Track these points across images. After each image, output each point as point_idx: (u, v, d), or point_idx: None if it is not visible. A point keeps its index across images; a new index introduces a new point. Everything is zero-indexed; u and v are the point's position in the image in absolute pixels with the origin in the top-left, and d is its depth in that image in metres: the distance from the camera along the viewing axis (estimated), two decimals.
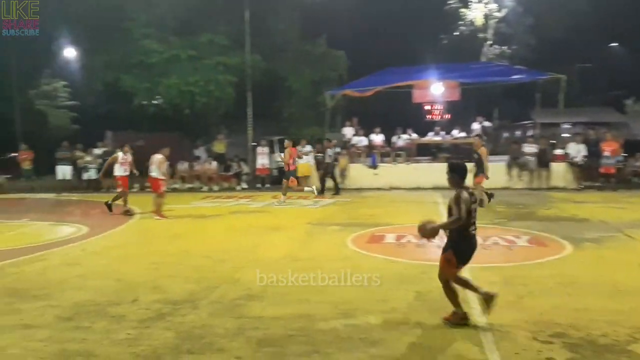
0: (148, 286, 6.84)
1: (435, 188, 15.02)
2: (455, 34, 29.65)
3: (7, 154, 24.24)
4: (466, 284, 5.47)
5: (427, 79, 21.20)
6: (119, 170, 14.18)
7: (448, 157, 19.34)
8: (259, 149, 20.42)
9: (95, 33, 22.11)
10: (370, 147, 20.45)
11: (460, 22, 29.33)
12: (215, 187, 19.97)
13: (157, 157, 13.12)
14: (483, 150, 13.83)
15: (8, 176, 20.94)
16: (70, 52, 26.21)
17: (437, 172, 14.26)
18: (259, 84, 22.65)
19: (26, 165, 20.35)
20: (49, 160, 20.90)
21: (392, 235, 10.07)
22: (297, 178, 16.33)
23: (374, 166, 19.10)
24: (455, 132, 21.34)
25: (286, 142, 15.59)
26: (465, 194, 5.30)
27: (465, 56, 25.33)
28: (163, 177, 13.16)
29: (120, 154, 14.31)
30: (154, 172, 13.07)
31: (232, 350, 4.76)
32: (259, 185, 20.24)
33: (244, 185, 20.25)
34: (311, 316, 5.61)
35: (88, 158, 19.83)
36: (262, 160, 20.29)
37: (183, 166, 20.58)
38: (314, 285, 6.44)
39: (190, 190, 19.90)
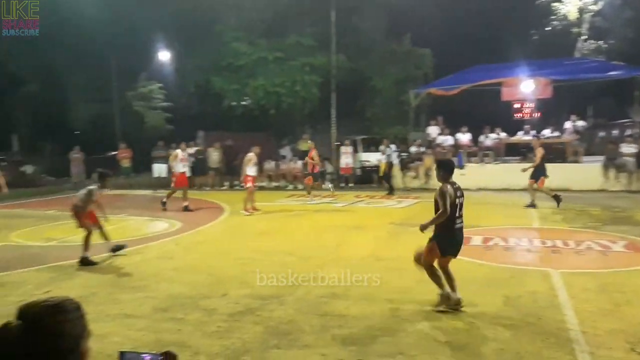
0: (237, 281, 7.09)
1: (525, 190, 14.46)
2: (547, 29, 28.37)
3: (107, 153, 25.88)
4: (435, 277, 5.79)
5: (517, 76, 20.44)
6: (178, 167, 14.78)
7: None
8: (343, 149, 20.55)
9: (188, 37, 23.14)
10: (457, 146, 20.02)
11: (552, 17, 28.02)
12: (300, 186, 20.31)
13: (247, 155, 13.70)
14: (540, 151, 13.49)
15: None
16: (164, 56, 27.61)
17: (527, 173, 13.73)
18: (343, 84, 22.77)
19: (125, 163, 21.63)
20: (146, 158, 22.11)
21: (479, 237, 9.82)
22: (315, 177, 16.53)
23: (460, 166, 18.66)
24: (547, 132, 20.44)
25: (310, 143, 15.55)
26: (450, 188, 5.72)
27: (557, 52, 24.18)
28: (250, 174, 13.61)
29: (179, 152, 14.95)
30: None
31: (317, 347, 4.85)
32: (342, 185, 20.37)
33: (328, 185, 20.44)
34: (396, 317, 5.60)
35: None
36: (346, 159, 20.40)
37: (269, 165, 21.10)
38: (398, 285, 6.41)
39: (276, 188, 20.38)
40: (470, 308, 5.79)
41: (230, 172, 19.99)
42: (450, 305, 5.69)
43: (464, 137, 20.50)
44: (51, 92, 26.05)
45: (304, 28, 22.72)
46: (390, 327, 5.29)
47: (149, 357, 1.60)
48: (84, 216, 8.59)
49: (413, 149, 19.69)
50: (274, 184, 20.76)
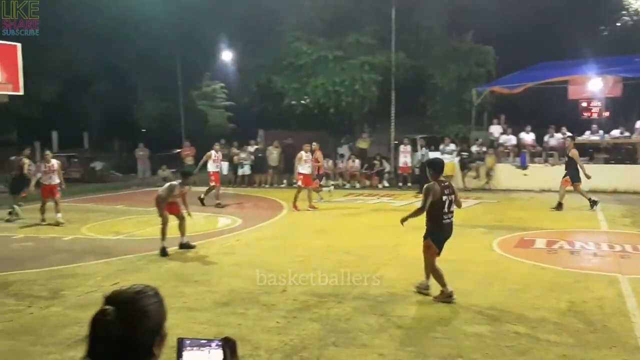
0: (295, 278, 7.19)
1: (592, 191, 13.91)
2: (617, 24, 27.12)
3: (172, 150, 26.73)
4: (437, 274, 6.15)
5: (585, 74, 19.65)
6: (211, 167, 15.52)
7: (607, 157, 17.83)
8: (402, 147, 20.36)
9: (250, 37, 23.56)
10: (520, 146, 19.46)
11: (623, 12, 26.76)
12: (358, 185, 20.30)
13: (299, 154, 14.32)
14: (574, 153, 13.10)
15: (173, 170, 23.07)
16: (227, 56, 28.24)
17: (594, 174, 13.21)
18: (403, 81, 22.57)
19: (189, 161, 22.22)
20: None
21: (543, 240, 9.54)
22: (319, 177, 16.48)
23: (523, 166, 18.15)
24: (616, 132, 19.54)
25: (314, 145, 15.47)
26: (437, 187, 6.13)
27: (628, 48, 23.06)
28: (302, 172, 14.15)
29: (212, 152, 15.65)
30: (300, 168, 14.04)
31: (375, 347, 4.86)
32: (400, 184, 20.20)
33: (386, 184, 20.35)
34: (455, 319, 5.54)
35: (242, 155, 21.14)
36: (405, 158, 20.20)
37: (327, 163, 21.19)
38: (458, 288, 6.32)
39: (334, 187, 20.44)
40: (533, 312, 5.66)
41: (290, 170, 20.22)
42: (421, 289, 6.38)
43: (528, 137, 19.89)
44: (120, 91, 27.21)
45: (364, 26, 22.67)
46: (450, 330, 5.24)
47: (207, 342, 1.65)
48: (164, 207, 8.99)
49: (474, 148, 19.29)
50: (332, 182, 20.83)
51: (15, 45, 14.87)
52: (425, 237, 6.29)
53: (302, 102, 23.04)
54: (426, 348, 4.80)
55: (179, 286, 7.01)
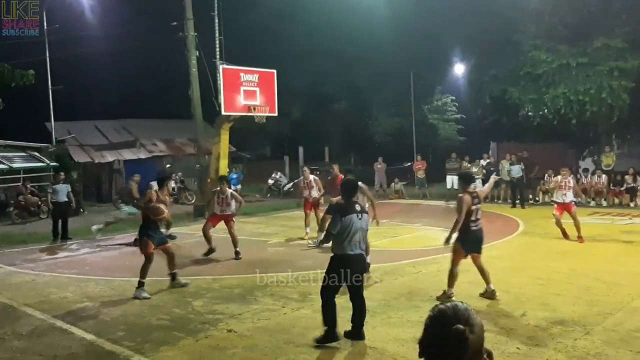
0: (535, 302, 6.90)
1: None
2: None
3: (404, 163, 27.51)
4: (452, 276, 7.19)
5: None
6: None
7: None
8: None
9: (484, 49, 23.11)
10: None
11: None
12: (604, 203, 18.38)
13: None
14: None
15: (404, 183, 23.73)
16: (459, 69, 28.12)
17: None
18: None
19: (420, 174, 22.66)
20: (439, 169, 22.81)
21: None
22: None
23: None
24: None
25: (335, 167, 13.37)
26: (468, 197, 6.98)
27: None
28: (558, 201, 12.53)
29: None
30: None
31: None
32: None
33: None
34: None
35: (474, 169, 20.75)
36: None
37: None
38: None
39: (577, 204, 18.82)
40: None
41: (527, 186, 19.22)
42: (486, 295, 7.13)
43: None
44: (357, 108, 29.04)
45: (613, 29, 20.50)
46: None
47: None
48: None
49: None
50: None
51: (272, 72, 17.00)
52: (454, 242, 7.16)
53: (541, 113, 21.71)
54: None
55: (415, 300, 7.26)
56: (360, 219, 5.78)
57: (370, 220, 6.36)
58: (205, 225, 10.98)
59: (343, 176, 11.81)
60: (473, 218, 7.01)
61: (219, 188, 10.98)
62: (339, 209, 5.88)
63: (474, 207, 6.98)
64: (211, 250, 10.85)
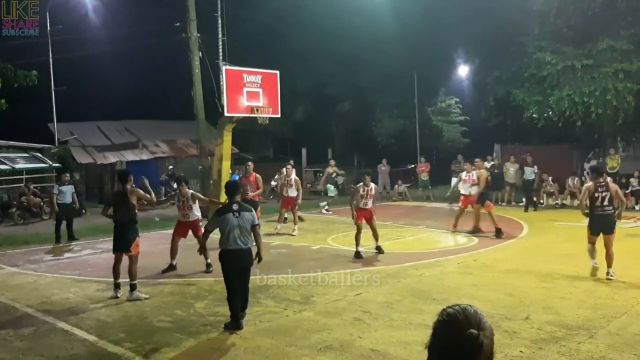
0: (539, 305, 6.85)
1: None
2: None
3: (407, 165, 27.44)
4: (590, 251, 8.53)
5: None
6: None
7: None
8: None
9: (488, 51, 23.05)
10: None
11: None
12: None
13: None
14: None
15: (408, 185, 23.65)
16: (462, 70, 28.06)
17: None
18: None
19: (423, 176, 22.58)
20: (442, 171, 22.74)
21: None
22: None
23: None
24: None
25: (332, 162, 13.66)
26: (591, 185, 8.28)
27: None
28: (464, 193, 13.22)
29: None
30: None
31: None
32: None
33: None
34: None
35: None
36: None
37: (573, 181, 19.55)
38: None
39: (578, 207, 18.74)
40: None
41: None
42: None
43: None
44: (361, 110, 28.99)
45: (619, 31, 20.39)
46: None
47: None
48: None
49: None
50: (577, 202, 19.12)
51: (275, 73, 16.95)
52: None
53: (545, 115, 21.61)
54: None
55: (417, 302, 7.21)
56: (237, 216, 6.45)
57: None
58: (172, 239, 9.86)
59: (256, 175, 12.88)
60: (598, 204, 8.16)
61: (178, 190, 9.99)
62: (218, 210, 6.86)
63: (597, 195, 8.17)
64: (171, 267, 9.65)
